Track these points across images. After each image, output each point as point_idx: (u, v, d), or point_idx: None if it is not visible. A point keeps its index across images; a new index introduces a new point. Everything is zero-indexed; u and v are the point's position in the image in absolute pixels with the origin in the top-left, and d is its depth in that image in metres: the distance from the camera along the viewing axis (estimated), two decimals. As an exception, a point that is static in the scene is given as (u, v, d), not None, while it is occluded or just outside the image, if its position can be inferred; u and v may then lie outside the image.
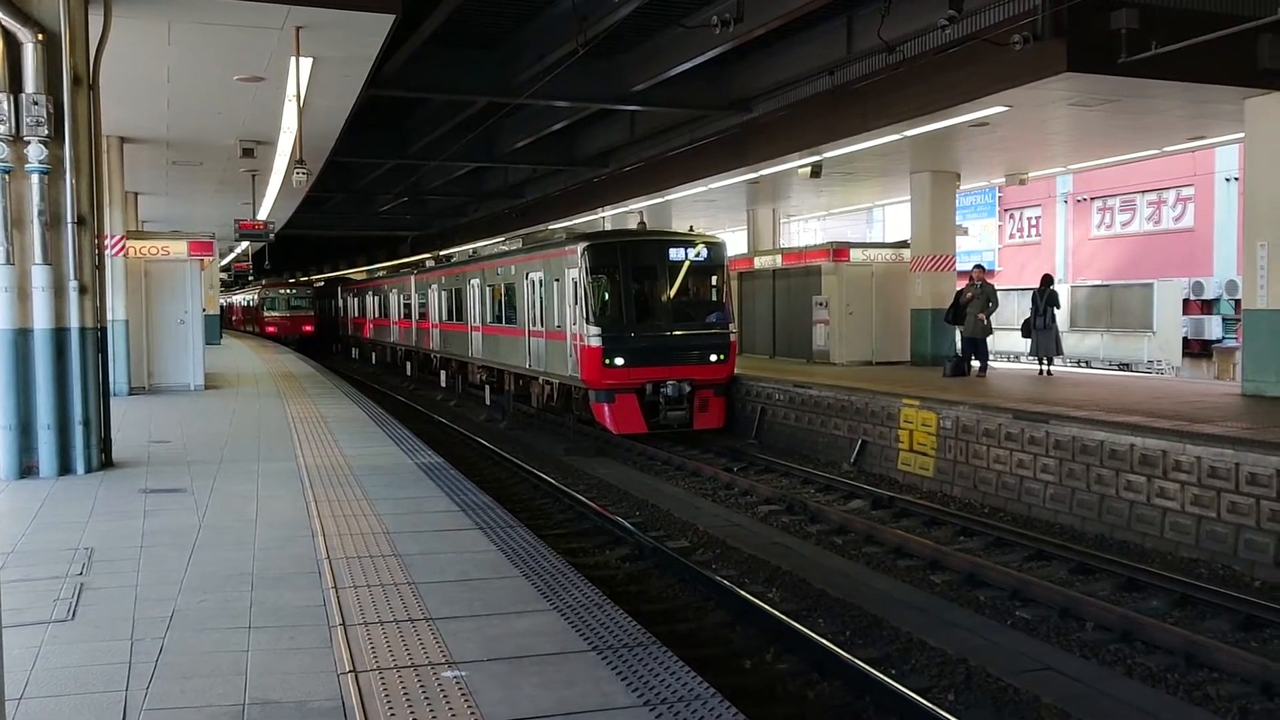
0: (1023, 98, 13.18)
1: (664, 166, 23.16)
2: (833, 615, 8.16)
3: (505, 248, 23.13)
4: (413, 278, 31.36)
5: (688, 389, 16.65)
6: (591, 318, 16.59)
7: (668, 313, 17.06)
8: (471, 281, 24.00)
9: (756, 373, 18.16)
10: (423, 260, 36.56)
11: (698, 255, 17.31)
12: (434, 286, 28.18)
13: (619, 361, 16.39)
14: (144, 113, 14.28)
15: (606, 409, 16.58)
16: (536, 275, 19.01)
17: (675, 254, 17.22)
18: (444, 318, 27.14)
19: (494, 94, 19.54)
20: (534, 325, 19.24)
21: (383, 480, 8.84)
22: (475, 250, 27.71)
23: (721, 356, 17.05)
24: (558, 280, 17.82)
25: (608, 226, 28.03)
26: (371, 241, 53.36)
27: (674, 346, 16.82)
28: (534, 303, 19.17)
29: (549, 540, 8.32)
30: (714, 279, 17.73)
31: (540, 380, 19.42)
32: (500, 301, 21.76)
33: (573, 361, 17.19)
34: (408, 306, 31.78)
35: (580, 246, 17.05)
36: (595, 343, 16.41)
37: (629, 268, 17.09)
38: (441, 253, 35.38)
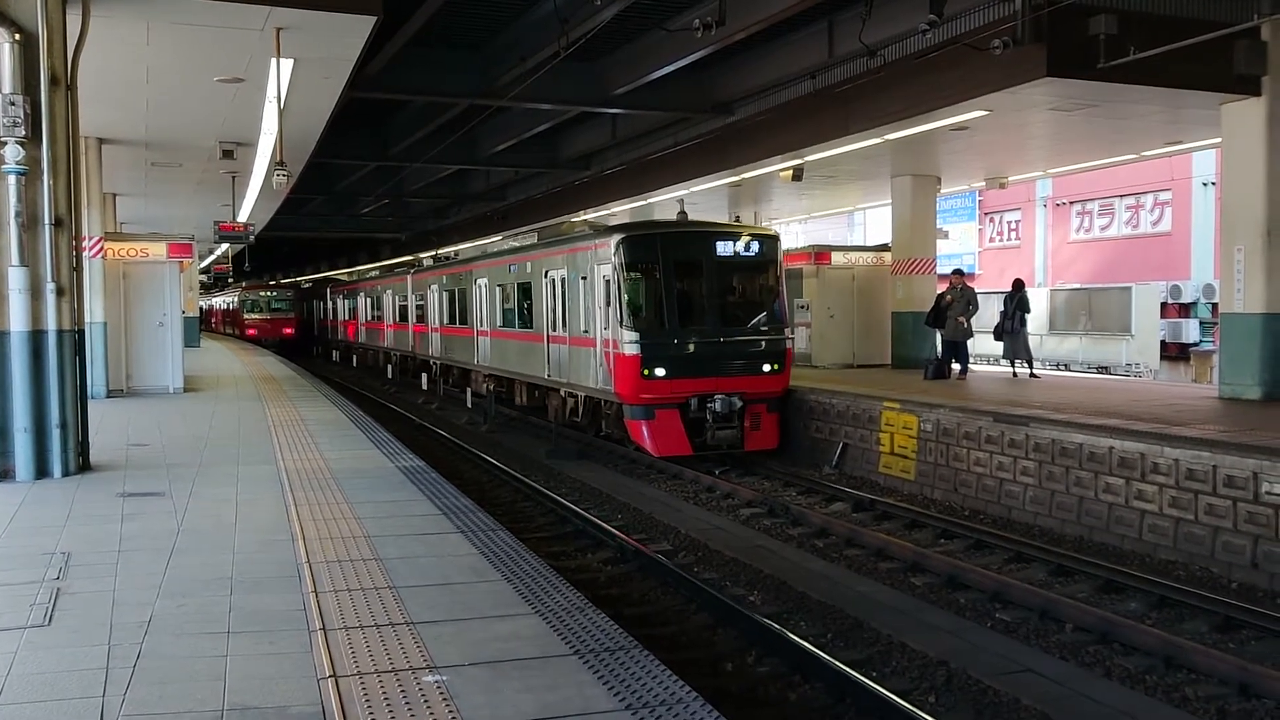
0: (1002, 102, 13.28)
1: (646, 169, 23.14)
2: (814, 618, 8.17)
3: (517, 243, 20.69)
4: (409, 277, 29.00)
5: (739, 404, 14.51)
6: (627, 321, 14.45)
7: (716, 316, 14.87)
8: (479, 281, 21.58)
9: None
10: (419, 259, 34.15)
11: (748, 249, 15.13)
12: (434, 287, 25.68)
13: (660, 372, 14.29)
14: (123, 113, 14.19)
15: (645, 427, 14.46)
16: (558, 273, 16.79)
17: (723, 248, 14.96)
18: (445, 321, 24.68)
19: (476, 96, 19.50)
20: (555, 330, 17.05)
21: (363, 483, 8.80)
22: (484, 247, 24.95)
23: (777, 366, 14.96)
24: (585, 278, 15.64)
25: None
26: (352, 244, 53.16)
27: (723, 355, 14.71)
28: (555, 304, 16.97)
29: (531, 544, 8.31)
30: (767, 277, 15.45)
31: (561, 392, 17.25)
32: (513, 303, 19.43)
33: (603, 372, 15.06)
34: (403, 309, 29.61)
35: (614, 239, 14.76)
36: (632, 350, 14.30)
37: (671, 264, 14.78)
38: (440, 251, 33.13)
